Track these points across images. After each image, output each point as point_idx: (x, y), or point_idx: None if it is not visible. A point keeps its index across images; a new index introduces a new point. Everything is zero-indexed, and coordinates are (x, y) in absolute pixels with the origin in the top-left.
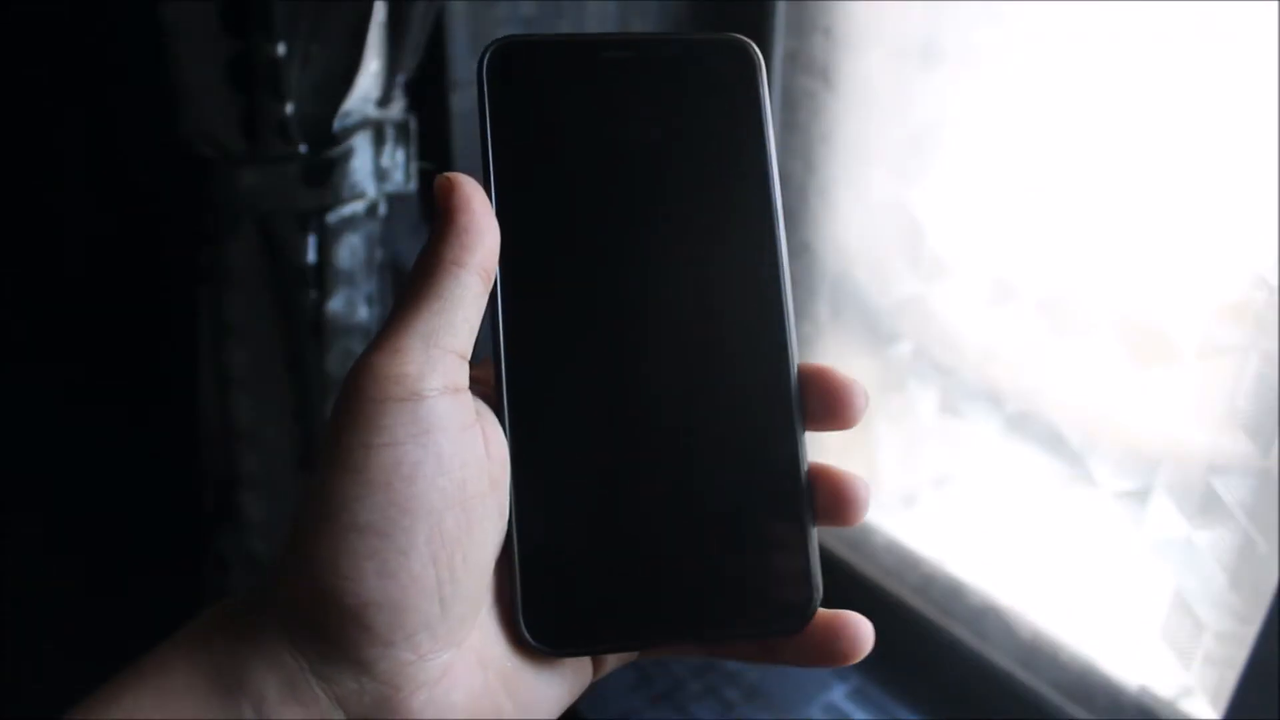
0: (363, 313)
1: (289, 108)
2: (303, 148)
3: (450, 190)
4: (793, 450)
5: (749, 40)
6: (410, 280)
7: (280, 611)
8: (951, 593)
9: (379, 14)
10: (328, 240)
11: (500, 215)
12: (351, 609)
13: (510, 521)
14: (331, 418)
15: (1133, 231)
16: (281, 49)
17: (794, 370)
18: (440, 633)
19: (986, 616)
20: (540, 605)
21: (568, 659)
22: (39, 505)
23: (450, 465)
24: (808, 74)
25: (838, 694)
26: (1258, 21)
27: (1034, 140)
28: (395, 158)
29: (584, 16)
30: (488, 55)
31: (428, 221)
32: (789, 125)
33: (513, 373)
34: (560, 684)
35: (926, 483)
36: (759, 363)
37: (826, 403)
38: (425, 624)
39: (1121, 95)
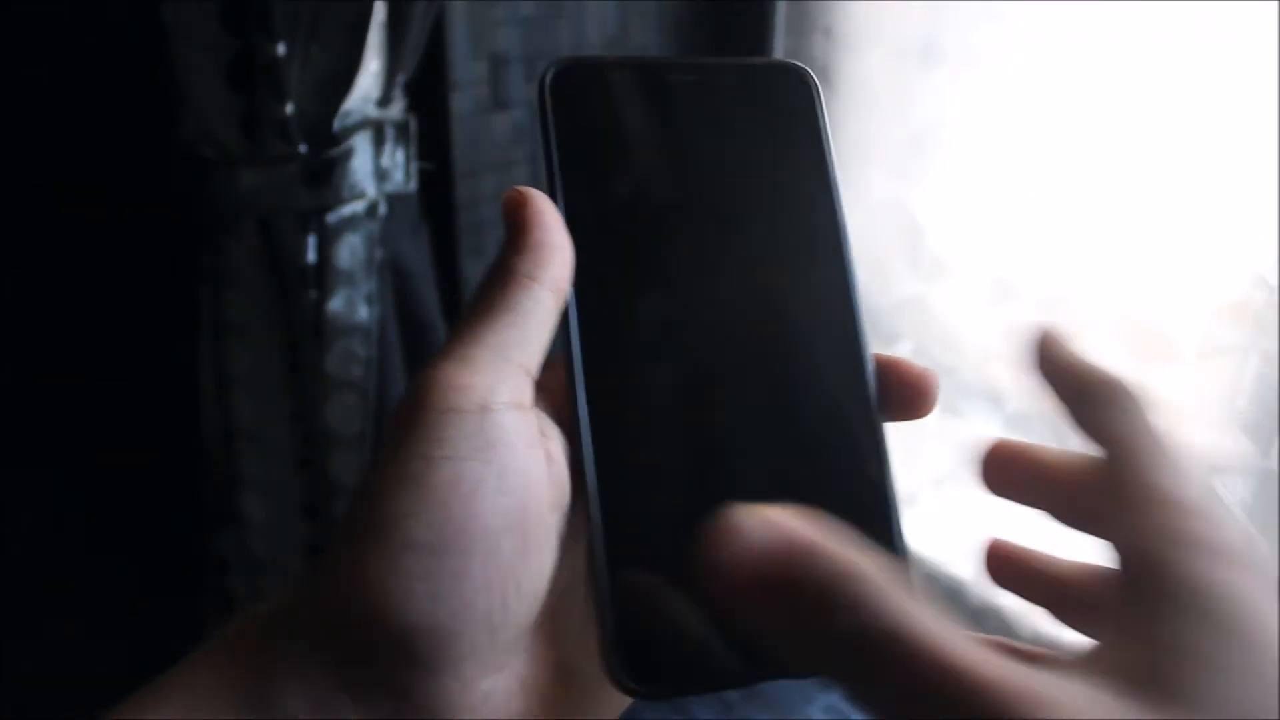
0: (363, 313)
1: (289, 108)
2: (303, 148)
3: (521, 204)
4: (877, 443)
5: (806, 66)
6: (481, 292)
7: (317, 626)
8: (951, 593)
9: (379, 14)
10: (328, 240)
11: (570, 232)
12: (397, 632)
13: (596, 549)
14: (389, 426)
15: (1132, 231)
16: (281, 49)
17: (870, 366)
18: (487, 660)
19: (986, 616)
20: (637, 645)
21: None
22: (39, 505)
23: (513, 485)
24: None
25: (838, 694)
26: (1258, 21)
27: (1034, 140)
28: (395, 158)
29: (584, 16)
30: (550, 76)
31: (428, 221)
32: None
33: (593, 392)
34: (599, 708)
35: (926, 483)
36: (836, 362)
37: (903, 394)
38: (473, 652)
39: (1121, 95)
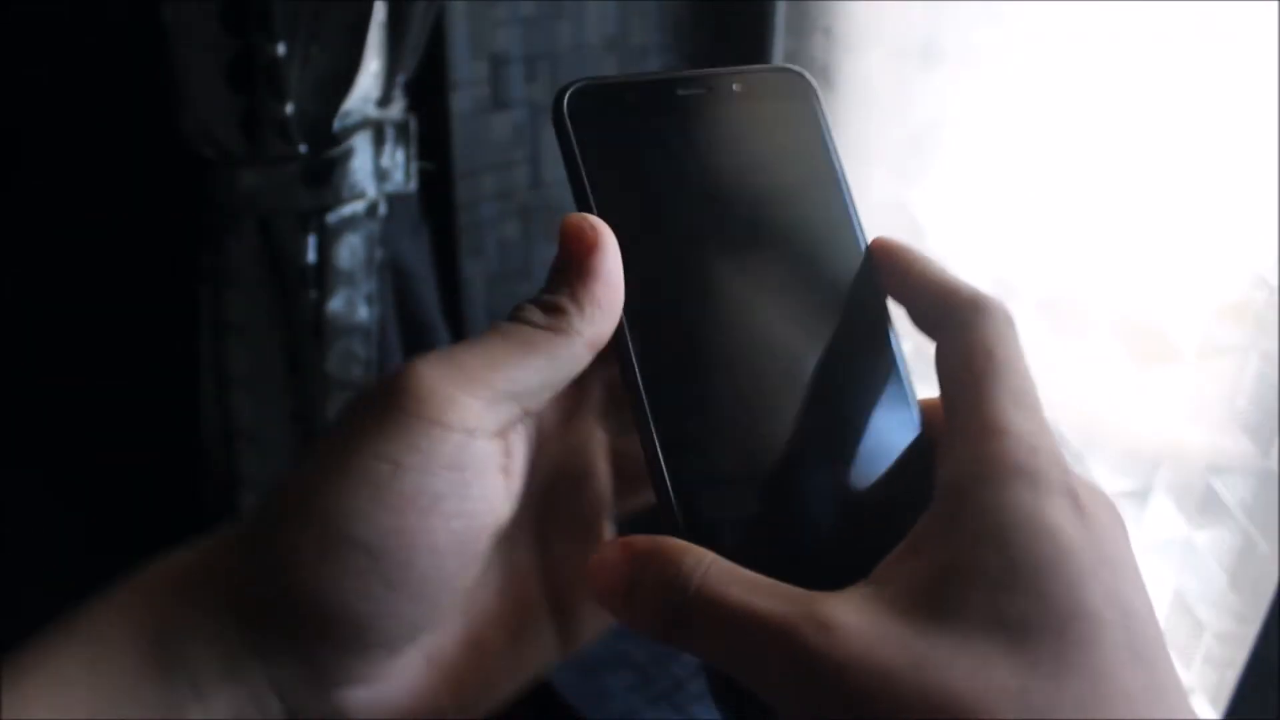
0: (363, 312)
1: (289, 108)
2: (303, 148)
3: (593, 248)
4: (922, 444)
5: (803, 70)
6: (523, 316)
7: (237, 587)
8: None
9: (379, 14)
10: (328, 240)
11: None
12: (317, 618)
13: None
14: (357, 411)
15: (1132, 231)
16: (281, 49)
17: (906, 370)
18: (399, 648)
19: None
20: None
21: (527, 646)
22: (39, 505)
23: (472, 509)
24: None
25: None
26: (1258, 21)
27: (1034, 140)
28: (395, 158)
29: (584, 16)
30: (567, 98)
31: (428, 221)
32: None
33: (658, 414)
34: (511, 675)
35: None
36: (876, 368)
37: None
38: (386, 643)
39: (1121, 95)
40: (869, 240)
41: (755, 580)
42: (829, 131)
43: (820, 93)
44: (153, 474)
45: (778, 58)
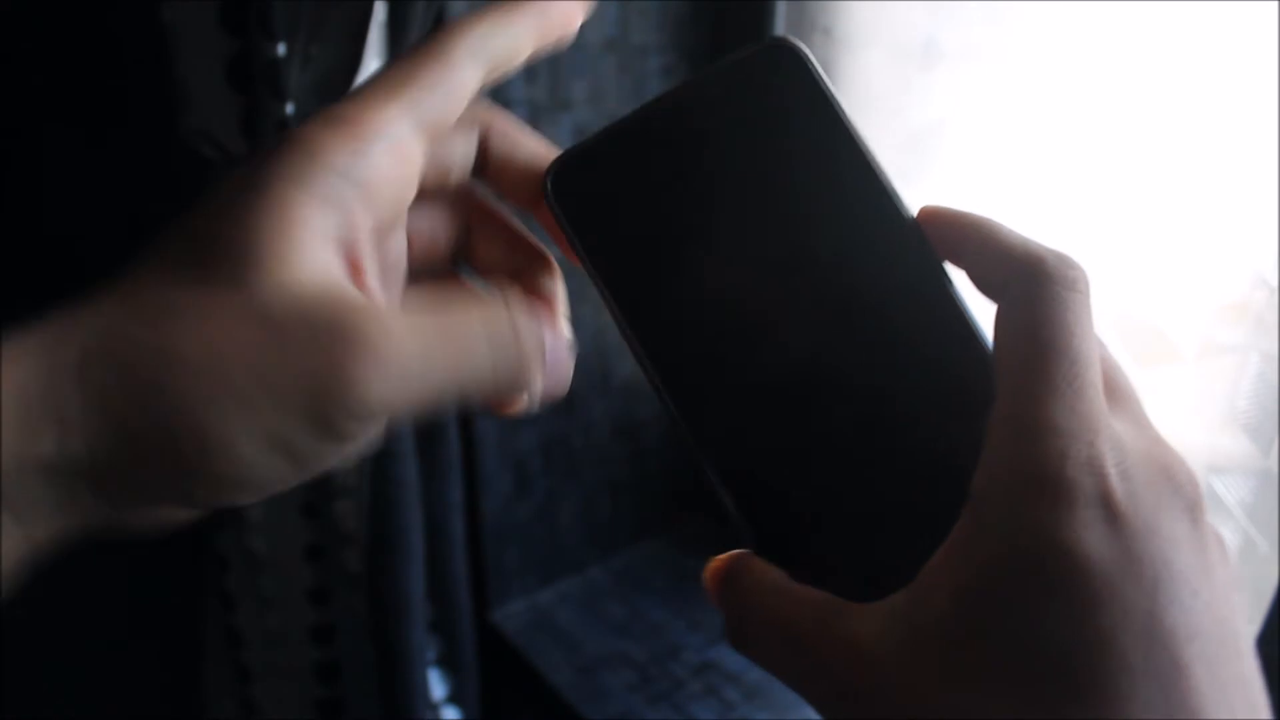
0: None
1: (289, 108)
2: None
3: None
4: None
5: (785, 39)
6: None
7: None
8: None
9: (379, 14)
10: None
11: (643, 327)
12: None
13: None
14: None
15: (1132, 231)
16: (281, 49)
17: (989, 345)
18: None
19: None
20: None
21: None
22: None
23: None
24: None
25: None
26: (1258, 21)
27: (1034, 140)
28: None
29: None
30: (550, 184)
31: None
32: None
33: (709, 444)
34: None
35: None
36: (943, 352)
37: None
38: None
39: (1122, 95)
40: (914, 212)
41: (799, 597)
42: (836, 100)
43: (814, 59)
44: None
45: None
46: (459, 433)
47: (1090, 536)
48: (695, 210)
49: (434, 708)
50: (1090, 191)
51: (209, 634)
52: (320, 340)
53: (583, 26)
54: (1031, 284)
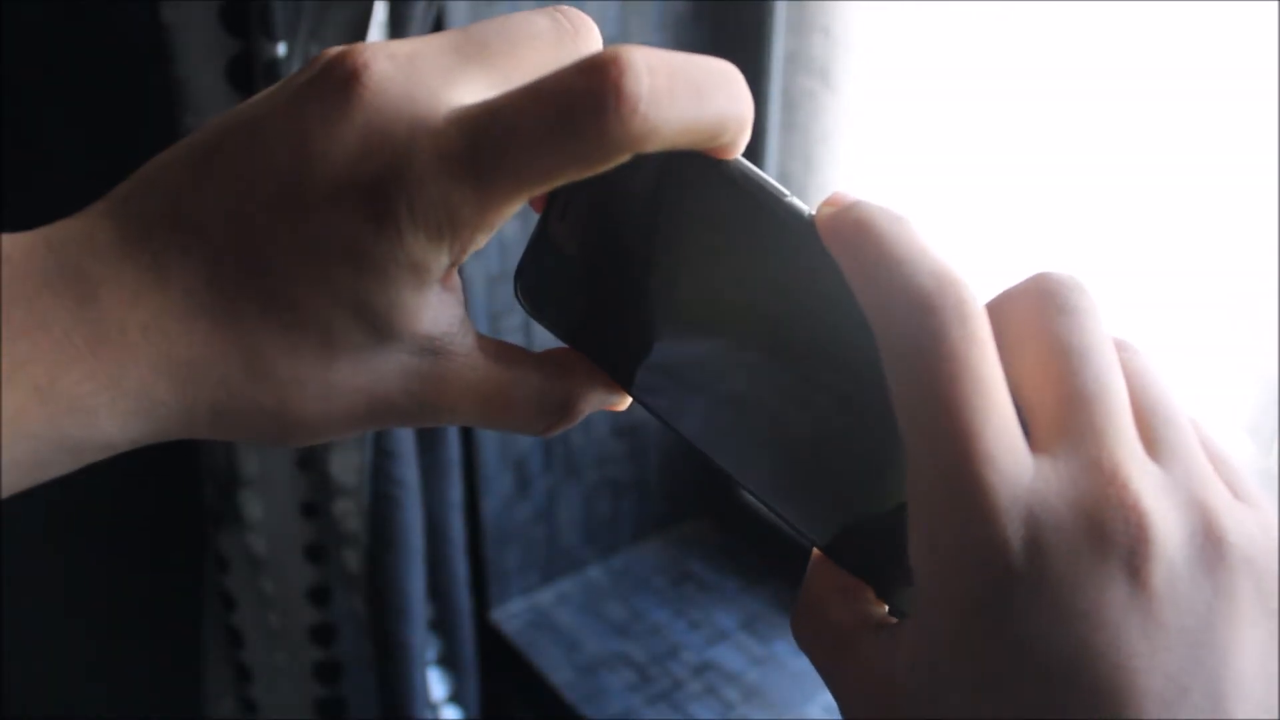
0: None
1: None
2: None
3: None
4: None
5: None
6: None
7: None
8: None
9: (379, 14)
10: None
11: (634, 375)
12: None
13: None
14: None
15: (1132, 231)
16: (281, 49)
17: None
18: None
19: None
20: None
21: None
22: (38, 504)
23: None
24: (808, 74)
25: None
26: (1258, 21)
27: (1034, 140)
28: None
29: None
30: (518, 292)
31: None
32: (789, 125)
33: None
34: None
35: None
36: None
37: None
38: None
39: (1122, 95)
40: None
41: (847, 605)
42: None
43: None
44: (153, 473)
45: (778, 58)
46: (459, 433)
47: (1016, 629)
48: (632, 283)
49: (434, 708)
50: (1091, 192)
51: (209, 634)
52: None
53: None
54: (913, 338)
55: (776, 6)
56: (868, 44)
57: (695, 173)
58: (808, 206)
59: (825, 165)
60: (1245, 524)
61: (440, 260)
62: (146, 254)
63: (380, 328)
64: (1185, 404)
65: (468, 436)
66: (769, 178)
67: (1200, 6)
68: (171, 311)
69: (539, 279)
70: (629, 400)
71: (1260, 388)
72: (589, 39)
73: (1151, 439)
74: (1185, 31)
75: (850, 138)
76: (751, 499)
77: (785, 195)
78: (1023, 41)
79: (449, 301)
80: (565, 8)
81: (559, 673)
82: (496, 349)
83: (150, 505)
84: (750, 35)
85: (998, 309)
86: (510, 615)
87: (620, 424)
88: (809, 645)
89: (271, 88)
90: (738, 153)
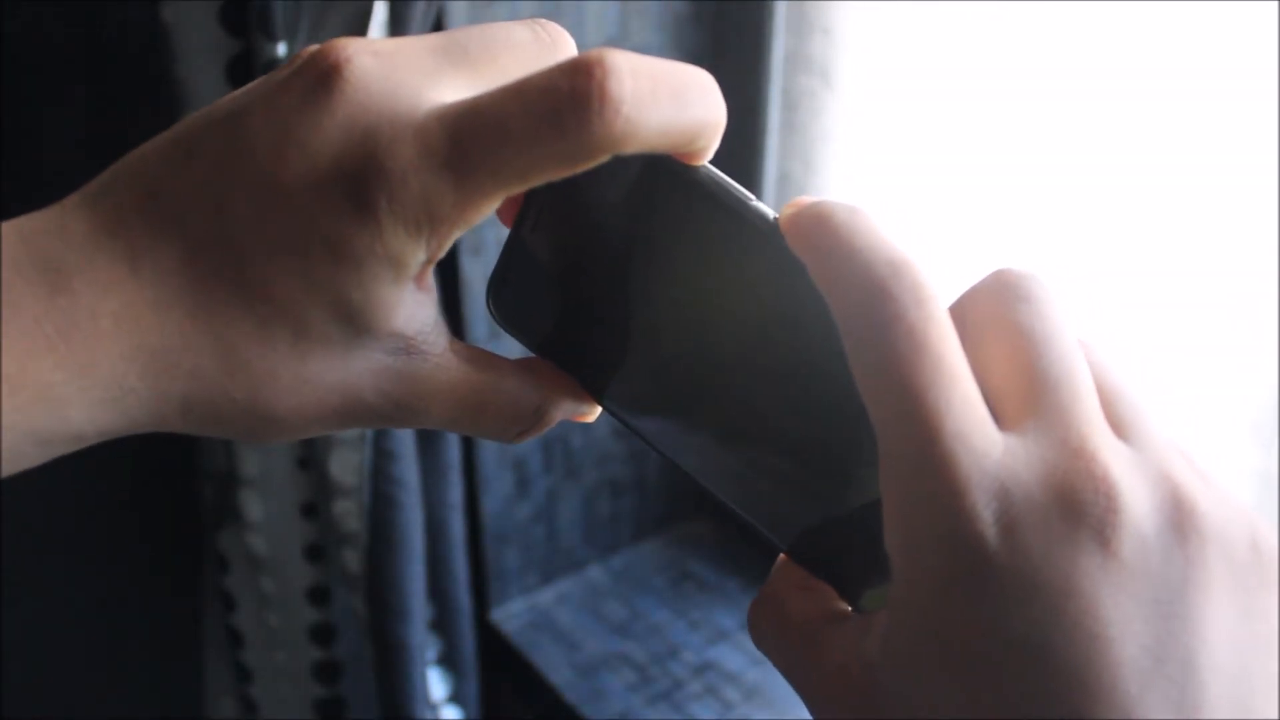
0: None
1: None
2: None
3: None
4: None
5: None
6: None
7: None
8: None
9: (379, 14)
10: None
11: (604, 385)
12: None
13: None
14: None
15: (1132, 231)
16: (281, 49)
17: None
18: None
19: None
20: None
21: None
22: (38, 504)
23: None
24: (808, 74)
25: None
26: (1258, 21)
27: (1035, 140)
28: None
29: (584, 16)
30: (489, 300)
31: None
32: (789, 125)
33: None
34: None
35: None
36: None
37: None
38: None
39: (1122, 95)
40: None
41: (808, 599)
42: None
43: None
44: (153, 473)
45: (778, 58)
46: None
47: (991, 602)
48: (602, 291)
49: (434, 708)
50: (1091, 192)
51: (209, 634)
52: None
53: (583, 27)
54: (871, 321)
55: (776, 6)
56: (868, 44)
57: (665, 179)
58: (773, 211)
59: (825, 165)
60: (1213, 498)
61: (417, 255)
62: (121, 243)
63: (355, 322)
64: (1147, 392)
65: (468, 437)
66: (735, 183)
67: (1200, 6)
68: (144, 300)
69: (510, 290)
70: (599, 410)
71: (1260, 388)
72: (567, 52)
73: (1117, 421)
74: (1185, 31)
75: (850, 138)
76: (720, 504)
77: (751, 200)
78: (1023, 41)
79: (424, 301)
80: (545, 21)
81: (559, 673)
82: (470, 353)
83: (150, 505)
84: (750, 35)
85: (960, 306)
86: (510, 615)
87: (620, 424)
88: (769, 641)
89: (254, 82)
90: (708, 159)
